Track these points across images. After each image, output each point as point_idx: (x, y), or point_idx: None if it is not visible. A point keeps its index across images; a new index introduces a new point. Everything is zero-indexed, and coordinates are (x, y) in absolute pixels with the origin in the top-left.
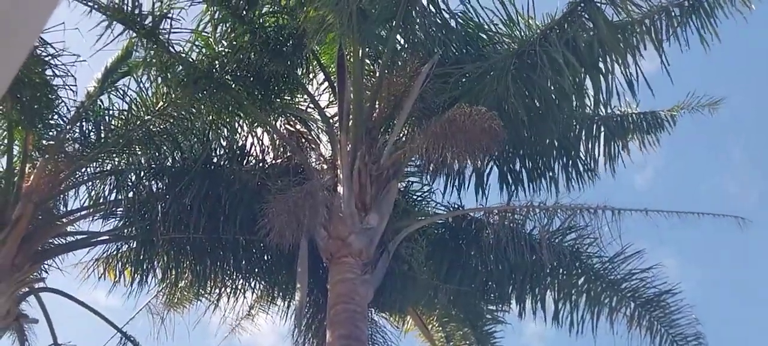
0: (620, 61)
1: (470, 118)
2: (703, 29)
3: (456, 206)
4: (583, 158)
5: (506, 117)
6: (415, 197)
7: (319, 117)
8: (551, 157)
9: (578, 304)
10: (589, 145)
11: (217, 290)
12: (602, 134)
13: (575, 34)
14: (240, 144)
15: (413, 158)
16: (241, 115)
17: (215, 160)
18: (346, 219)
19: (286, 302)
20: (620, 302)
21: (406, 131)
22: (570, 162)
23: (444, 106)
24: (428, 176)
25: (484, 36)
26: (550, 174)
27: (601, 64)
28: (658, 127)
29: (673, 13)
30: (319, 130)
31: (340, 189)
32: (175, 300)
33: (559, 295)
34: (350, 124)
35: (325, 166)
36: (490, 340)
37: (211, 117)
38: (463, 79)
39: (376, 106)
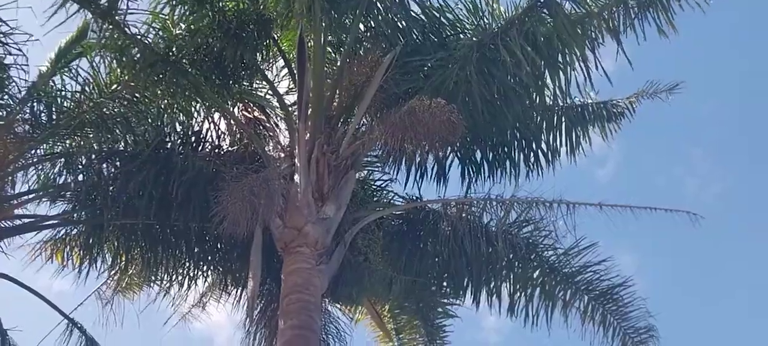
0: (579, 54)
1: (430, 111)
2: (660, 21)
3: (414, 197)
4: (544, 149)
5: (467, 108)
6: (373, 188)
7: (277, 104)
8: (512, 147)
9: (533, 297)
10: (551, 136)
11: (169, 278)
12: (563, 124)
13: (534, 28)
14: (195, 130)
15: (372, 149)
16: (198, 100)
17: (169, 145)
18: (302, 209)
19: (240, 292)
20: (574, 295)
21: (365, 121)
22: (531, 152)
23: (405, 96)
24: (388, 167)
25: (446, 21)
26: (511, 164)
27: (560, 57)
28: (618, 115)
29: (630, 5)
30: (278, 118)
31: (297, 178)
32: (125, 287)
33: (515, 287)
34: (309, 112)
35: (282, 155)
36: (440, 334)
37: (166, 101)
38: (425, 69)
39: (337, 95)
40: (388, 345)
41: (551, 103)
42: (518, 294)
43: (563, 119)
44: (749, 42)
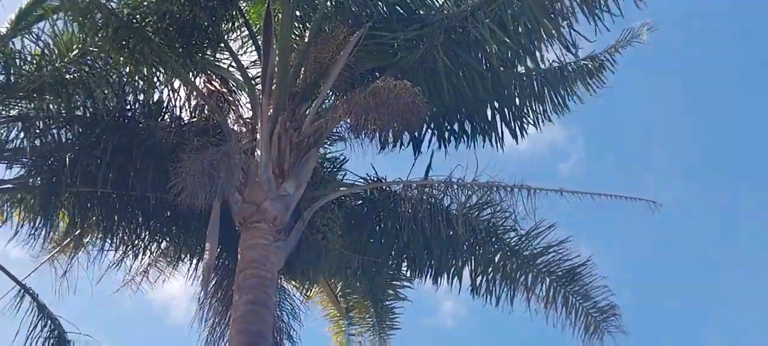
0: (549, 31)
1: (394, 93)
2: None
3: (375, 178)
4: (527, 114)
5: (438, 81)
6: (334, 167)
7: (241, 77)
8: (492, 115)
9: (495, 279)
10: (532, 101)
11: (124, 248)
12: (545, 88)
13: (501, 10)
14: (157, 99)
15: (335, 127)
16: (161, 69)
17: (130, 113)
18: (262, 184)
19: (196, 264)
20: (536, 278)
21: (330, 100)
22: (512, 118)
23: (371, 75)
24: (350, 144)
25: None
26: (492, 133)
27: (529, 37)
28: (599, 68)
29: None
30: (241, 91)
31: (257, 153)
32: (80, 255)
33: (476, 270)
34: (273, 87)
35: (243, 129)
36: (389, 315)
37: (128, 69)
38: (392, 48)
39: (302, 71)
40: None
41: (527, 73)
42: (480, 277)
43: (543, 84)
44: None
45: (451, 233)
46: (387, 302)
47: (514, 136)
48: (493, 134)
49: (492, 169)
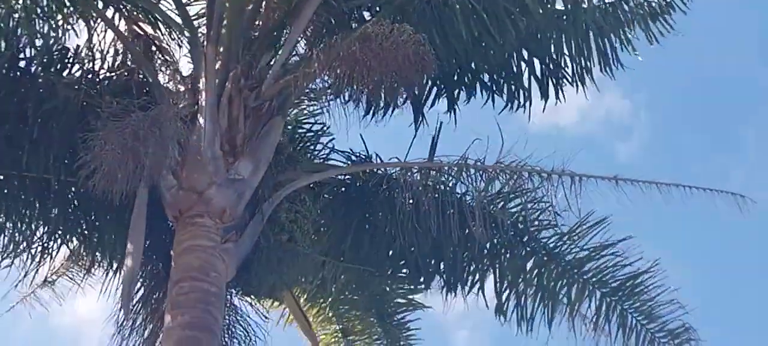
0: None
1: (390, 41)
2: None
3: (363, 156)
4: (568, 66)
5: (449, 21)
6: (306, 141)
7: (178, 17)
8: (519, 68)
9: (525, 293)
10: (574, 48)
11: (14, 248)
12: (591, 32)
13: None
14: (61, 45)
15: (308, 87)
16: (67, 4)
17: (23, 63)
18: (205, 164)
19: (114, 272)
20: (582, 291)
21: (300, 49)
22: (548, 70)
23: (357, 18)
24: (328, 110)
25: None
26: (518, 88)
27: None
28: (667, 7)
29: None
30: (178, 37)
31: (200, 121)
32: None
33: (501, 283)
34: (223, 31)
35: (181, 88)
36: (402, 332)
37: (23, 2)
38: None
39: (262, 9)
40: None
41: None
42: (507, 291)
43: (589, 25)
44: None
45: (467, 231)
46: (399, 316)
47: (545, 95)
48: (520, 92)
49: (522, 148)
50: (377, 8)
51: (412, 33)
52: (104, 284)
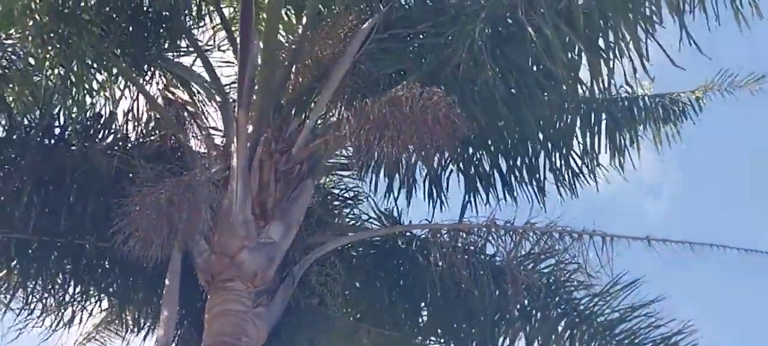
0: (627, 36)
1: (421, 103)
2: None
3: (391, 219)
4: (579, 156)
5: (472, 102)
6: (336, 204)
7: (210, 82)
8: (534, 154)
9: None
10: (587, 140)
11: (43, 305)
12: (603, 124)
13: None
14: (95, 112)
15: (338, 152)
16: (101, 69)
17: (58, 130)
18: (237, 228)
19: (146, 334)
20: None
21: (331, 113)
22: (561, 161)
23: (387, 82)
24: (358, 177)
25: None
26: (532, 177)
27: (601, 40)
28: (679, 114)
29: None
30: (210, 102)
31: (232, 185)
32: None
33: (530, 341)
34: (254, 97)
35: (213, 153)
36: None
37: (57, 71)
38: (415, 46)
39: (292, 74)
40: None
41: (588, 96)
42: None
43: (603, 118)
44: None
45: (498, 292)
46: None
47: (586, 173)
48: (561, 164)
49: (553, 209)
50: (405, 75)
51: (442, 95)
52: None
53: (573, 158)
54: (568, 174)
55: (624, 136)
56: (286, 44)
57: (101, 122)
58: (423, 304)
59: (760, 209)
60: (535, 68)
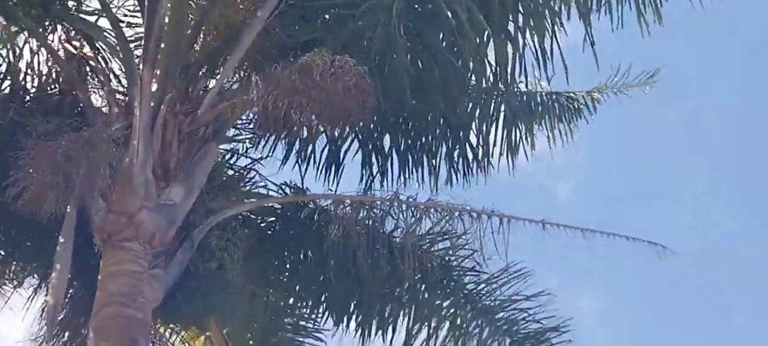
0: (535, 25)
1: (331, 72)
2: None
3: (295, 187)
4: (475, 144)
5: (381, 76)
6: (239, 170)
7: (114, 37)
8: (434, 137)
9: (438, 332)
10: (484, 129)
11: None
12: (501, 114)
13: None
14: None
15: (244, 115)
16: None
17: None
18: (137, 188)
19: (33, 293)
20: (492, 336)
21: (239, 77)
22: (458, 147)
23: (298, 49)
24: (262, 143)
25: None
26: (430, 160)
27: (511, 26)
28: (574, 112)
29: None
30: (113, 57)
31: (133, 144)
32: None
33: (416, 318)
34: (160, 55)
35: (115, 110)
36: None
37: None
38: (328, 16)
39: (201, 35)
40: None
41: (490, 85)
42: (418, 326)
43: (502, 109)
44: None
45: (390, 268)
46: None
47: (479, 161)
48: (457, 150)
49: (456, 190)
50: (317, 43)
51: (353, 65)
52: (27, 304)
53: (470, 145)
54: (463, 160)
55: (520, 129)
56: (195, 4)
57: None
58: (319, 275)
59: (676, 194)
60: (446, 48)
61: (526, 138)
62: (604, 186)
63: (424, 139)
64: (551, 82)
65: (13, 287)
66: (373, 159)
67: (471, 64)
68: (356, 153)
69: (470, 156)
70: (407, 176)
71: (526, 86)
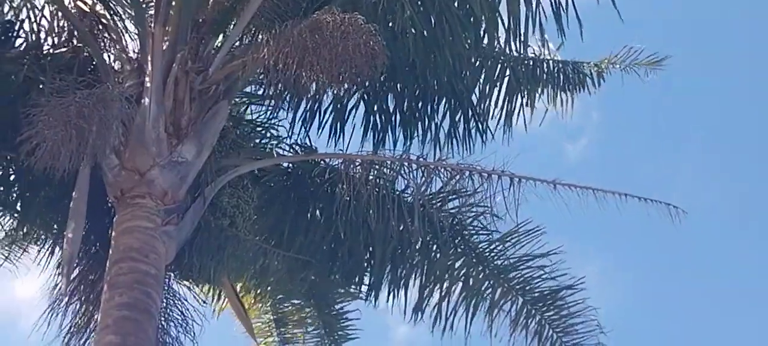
0: None
1: (342, 30)
2: None
3: (305, 146)
4: (477, 108)
5: (390, 36)
6: (250, 128)
7: None
8: (437, 99)
9: (451, 292)
10: (486, 92)
11: None
12: (505, 79)
13: None
14: (7, 18)
15: (255, 74)
16: None
17: None
18: (149, 145)
19: (50, 250)
20: (505, 296)
21: (249, 35)
22: (460, 111)
23: (309, 6)
24: (272, 101)
25: None
26: (431, 122)
27: None
28: (579, 83)
29: None
30: (125, 16)
31: (145, 102)
32: None
33: (428, 279)
34: (171, 12)
35: (127, 68)
36: (339, 322)
37: None
38: None
39: None
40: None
41: (498, 49)
42: (430, 287)
43: (507, 74)
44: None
45: (402, 227)
46: (337, 306)
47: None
48: (460, 113)
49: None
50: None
51: (363, 23)
52: (42, 264)
53: (471, 110)
54: (465, 123)
55: (523, 95)
56: None
57: (11, 30)
58: (328, 232)
59: (678, 156)
60: (457, 7)
61: (526, 104)
62: (615, 146)
63: (427, 101)
64: (560, 50)
65: (26, 248)
66: (377, 120)
67: (483, 22)
68: (360, 114)
69: (472, 119)
70: (413, 137)
71: (534, 53)
